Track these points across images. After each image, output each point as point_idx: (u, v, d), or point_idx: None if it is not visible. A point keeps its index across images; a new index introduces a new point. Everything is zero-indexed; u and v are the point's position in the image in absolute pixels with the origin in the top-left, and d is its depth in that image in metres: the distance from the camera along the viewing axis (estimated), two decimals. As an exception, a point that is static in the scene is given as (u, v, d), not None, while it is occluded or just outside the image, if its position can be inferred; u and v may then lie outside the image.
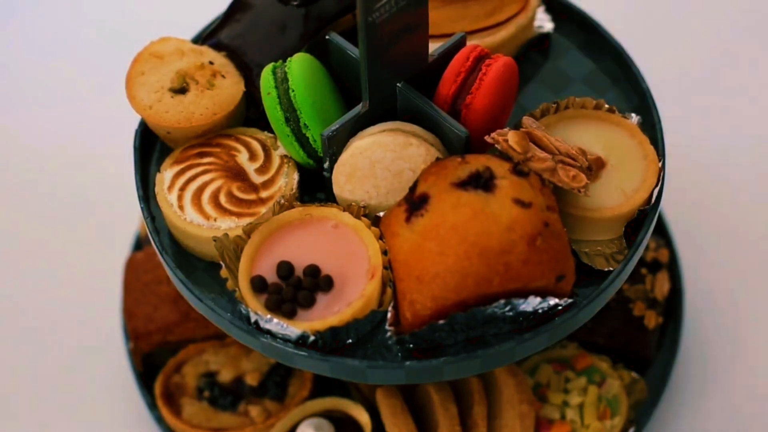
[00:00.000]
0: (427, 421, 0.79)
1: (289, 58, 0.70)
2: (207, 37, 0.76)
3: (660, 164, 0.69)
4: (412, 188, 0.64)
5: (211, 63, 0.73)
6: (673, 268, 0.90)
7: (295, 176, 0.71)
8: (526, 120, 0.68)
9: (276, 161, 0.72)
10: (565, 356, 0.84)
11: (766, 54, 1.08)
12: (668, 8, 1.11)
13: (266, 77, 0.69)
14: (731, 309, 0.92)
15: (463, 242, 0.61)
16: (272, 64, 0.70)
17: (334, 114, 0.70)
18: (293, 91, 0.68)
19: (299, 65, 0.69)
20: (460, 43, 0.70)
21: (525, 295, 0.62)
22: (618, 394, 0.82)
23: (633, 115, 0.72)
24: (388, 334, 0.64)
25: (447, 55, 0.69)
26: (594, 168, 0.68)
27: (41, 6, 1.16)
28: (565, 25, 0.82)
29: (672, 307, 0.89)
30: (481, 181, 0.62)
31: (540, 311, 0.64)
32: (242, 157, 0.71)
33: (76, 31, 1.14)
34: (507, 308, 0.63)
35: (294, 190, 0.70)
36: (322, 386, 0.85)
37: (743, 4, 1.11)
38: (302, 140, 0.69)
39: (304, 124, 0.68)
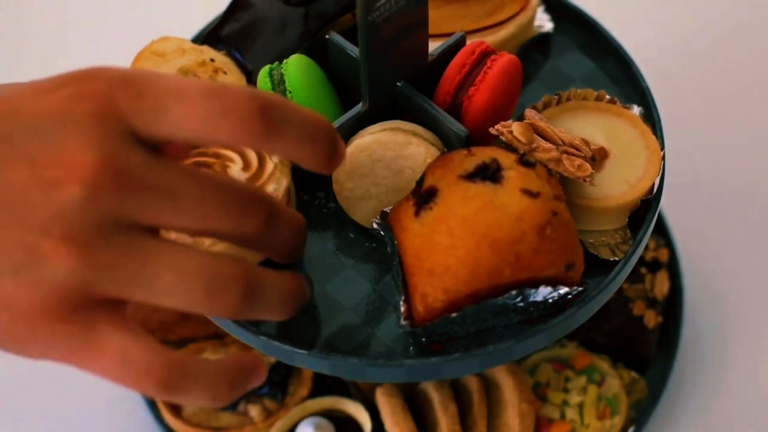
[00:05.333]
0: (427, 420, 0.79)
1: (285, 60, 0.70)
2: (207, 36, 0.76)
3: (662, 154, 0.69)
4: (419, 182, 0.64)
5: (212, 60, 0.73)
6: (673, 267, 0.90)
7: (284, 182, 0.69)
8: (529, 112, 0.68)
9: (269, 168, 0.70)
10: (564, 355, 0.84)
11: None
12: (669, 7, 1.11)
13: (263, 79, 0.69)
14: (731, 309, 0.92)
15: (474, 234, 0.60)
16: (268, 66, 0.70)
17: (331, 115, 0.70)
18: (290, 92, 0.68)
19: (295, 66, 0.69)
20: (460, 43, 0.70)
21: (536, 284, 0.62)
22: (618, 394, 0.82)
23: (634, 106, 0.72)
24: (402, 328, 0.65)
25: (447, 54, 0.70)
26: (597, 158, 0.68)
27: (41, 6, 1.16)
28: (565, 25, 0.82)
29: (672, 306, 0.89)
30: (489, 173, 0.62)
31: (550, 300, 0.64)
32: (235, 168, 0.70)
33: (76, 30, 1.14)
34: (518, 299, 0.62)
35: (282, 197, 0.68)
36: (322, 385, 0.85)
37: (744, 3, 1.11)
38: (299, 141, 0.69)
39: (301, 125, 0.68)
